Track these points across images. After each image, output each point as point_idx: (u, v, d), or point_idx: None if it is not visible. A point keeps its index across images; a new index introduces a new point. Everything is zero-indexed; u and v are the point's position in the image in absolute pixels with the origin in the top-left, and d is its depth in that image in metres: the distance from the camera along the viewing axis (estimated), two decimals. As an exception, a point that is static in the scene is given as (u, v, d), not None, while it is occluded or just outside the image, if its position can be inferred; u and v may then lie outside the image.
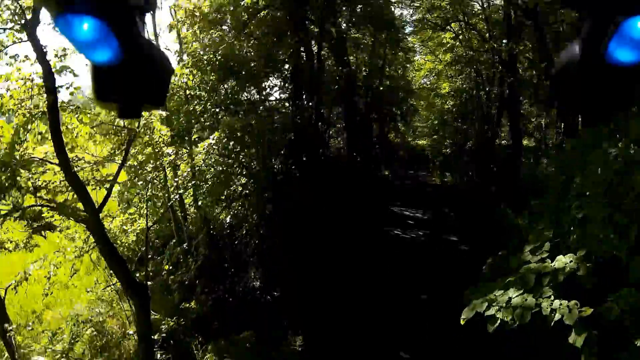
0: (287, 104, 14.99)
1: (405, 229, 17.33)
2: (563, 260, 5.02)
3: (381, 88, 22.58)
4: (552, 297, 4.74)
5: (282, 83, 14.92)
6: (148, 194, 10.66)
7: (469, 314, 5.21)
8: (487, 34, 21.62)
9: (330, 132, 20.40)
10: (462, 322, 5.34)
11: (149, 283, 9.67)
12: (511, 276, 5.29)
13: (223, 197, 14.32)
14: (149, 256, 14.96)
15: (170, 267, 13.66)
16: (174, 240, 14.92)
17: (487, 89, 24.40)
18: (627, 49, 0.95)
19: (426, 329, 10.14)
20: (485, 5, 21.82)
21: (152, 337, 10.10)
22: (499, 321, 4.88)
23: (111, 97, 1.15)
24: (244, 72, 13.22)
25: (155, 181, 10.83)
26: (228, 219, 14.79)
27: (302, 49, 14.79)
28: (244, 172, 14.35)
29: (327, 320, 10.49)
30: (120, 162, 9.39)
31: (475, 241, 14.87)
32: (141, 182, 10.57)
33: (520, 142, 20.25)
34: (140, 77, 1.13)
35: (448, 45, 24.93)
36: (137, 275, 10.04)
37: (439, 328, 10.01)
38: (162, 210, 12.41)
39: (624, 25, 0.91)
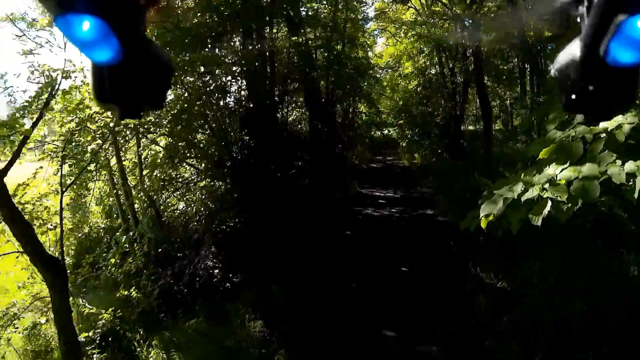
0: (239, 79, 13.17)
1: (377, 207, 15.82)
2: (614, 120, 3.43)
3: (346, 67, 20.91)
4: (620, 162, 3.16)
5: (232, 58, 13.10)
6: (65, 151, 8.71)
7: (491, 209, 3.58)
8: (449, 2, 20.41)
9: (291, 113, 18.73)
10: (482, 225, 3.75)
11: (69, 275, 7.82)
12: (545, 151, 3.66)
13: (171, 180, 12.50)
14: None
15: (118, 260, 12.01)
16: (121, 230, 13.19)
17: (450, 65, 23.29)
18: (627, 49, 0.87)
19: (409, 302, 8.70)
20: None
21: (88, 334, 8.37)
22: (548, 204, 3.23)
23: (112, 97, 1.04)
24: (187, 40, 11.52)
25: (76, 136, 8.95)
26: (181, 206, 13.06)
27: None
28: (195, 154, 12.59)
29: (297, 303, 8.98)
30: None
31: (452, 211, 13.58)
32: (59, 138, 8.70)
33: (489, 112, 18.99)
34: (141, 77, 1.05)
35: (409, 24, 23.72)
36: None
37: (423, 301, 8.71)
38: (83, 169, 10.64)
39: (624, 25, 0.83)
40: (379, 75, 27.25)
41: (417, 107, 25.52)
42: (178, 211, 13.04)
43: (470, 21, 18.46)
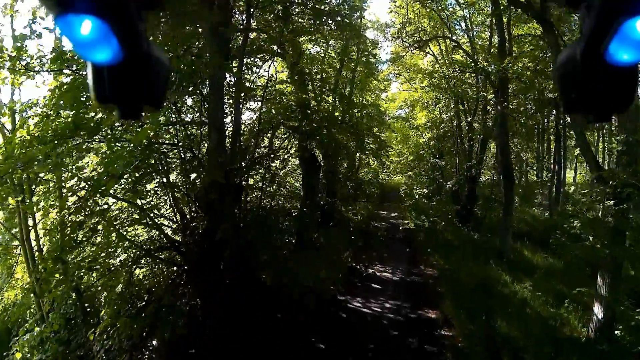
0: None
1: (368, 298, 12.28)
2: None
3: (347, 119, 17.53)
4: None
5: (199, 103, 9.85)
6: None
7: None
8: (471, 51, 17.06)
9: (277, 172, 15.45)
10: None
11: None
12: None
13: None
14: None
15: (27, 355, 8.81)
16: (34, 318, 9.92)
17: (468, 119, 19.78)
18: (627, 49, 0.90)
19: None
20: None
21: None
22: None
23: (111, 98, 1.02)
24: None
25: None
26: (119, 287, 9.60)
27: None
28: (147, 222, 9.23)
29: None
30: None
31: (459, 319, 10.08)
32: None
33: (511, 179, 15.55)
34: (140, 77, 1.02)
35: (426, 71, 20.36)
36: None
37: None
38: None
39: (624, 26, 0.86)
40: (389, 121, 23.83)
41: (428, 162, 22.01)
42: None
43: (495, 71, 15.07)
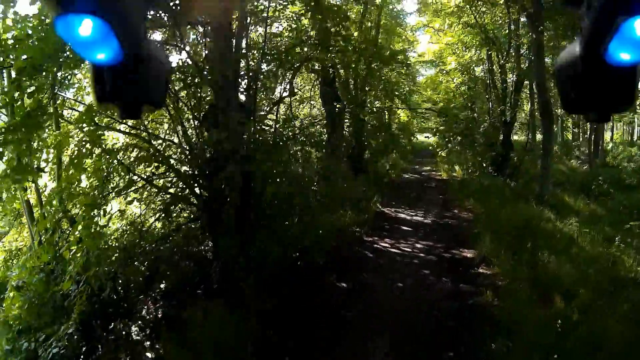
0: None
1: (398, 239, 10.86)
2: None
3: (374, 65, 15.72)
4: None
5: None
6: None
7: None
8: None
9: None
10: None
11: None
12: None
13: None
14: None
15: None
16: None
17: (501, 61, 17.73)
18: (627, 49, 0.84)
19: None
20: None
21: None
22: None
23: (112, 98, 0.96)
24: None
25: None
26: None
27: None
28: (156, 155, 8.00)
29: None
30: None
31: (499, 257, 8.43)
32: None
33: (550, 119, 13.63)
34: (140, 77, 0.97)
35: (454, 13, 18.32)
36: None
37: None
38: None
39: (624, 25, 0.81)
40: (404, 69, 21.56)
41: (460, 111, 19.93)
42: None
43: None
